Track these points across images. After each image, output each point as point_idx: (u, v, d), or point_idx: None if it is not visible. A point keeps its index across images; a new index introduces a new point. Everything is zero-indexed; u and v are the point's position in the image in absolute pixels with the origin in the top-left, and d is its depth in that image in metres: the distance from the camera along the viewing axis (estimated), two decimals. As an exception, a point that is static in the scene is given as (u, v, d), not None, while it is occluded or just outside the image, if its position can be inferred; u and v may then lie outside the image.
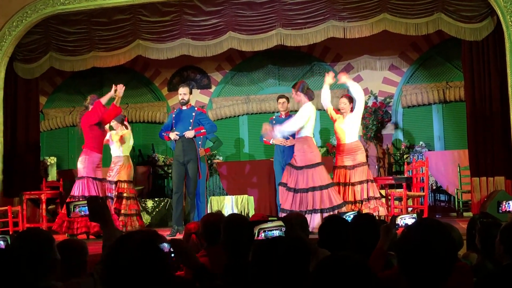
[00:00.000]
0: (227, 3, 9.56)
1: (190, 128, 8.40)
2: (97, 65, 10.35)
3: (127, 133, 9.37)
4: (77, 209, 3.11)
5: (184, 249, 2.91)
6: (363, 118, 11.01)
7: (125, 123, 9.50)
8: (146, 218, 10.29)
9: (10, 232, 8.57)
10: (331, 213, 7.26)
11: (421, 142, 11.03)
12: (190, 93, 8.63)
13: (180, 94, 8.53)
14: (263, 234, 3.19)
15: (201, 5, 9.63)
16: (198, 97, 12.25)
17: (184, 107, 8.56)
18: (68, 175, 11.35)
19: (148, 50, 9.99)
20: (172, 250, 2.98)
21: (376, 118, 11.06)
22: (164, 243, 3.15)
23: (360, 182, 8.04)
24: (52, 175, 11.75)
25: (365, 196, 7.98)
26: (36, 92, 10.89)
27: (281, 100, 9.25)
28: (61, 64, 10.37)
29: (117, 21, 9.98)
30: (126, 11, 9.94)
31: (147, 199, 10.81)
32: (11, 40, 10.19)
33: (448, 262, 2.20)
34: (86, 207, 3.02)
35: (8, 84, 10.43)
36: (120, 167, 9.10)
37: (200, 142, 9.32)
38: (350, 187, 8.04)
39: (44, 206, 9.35)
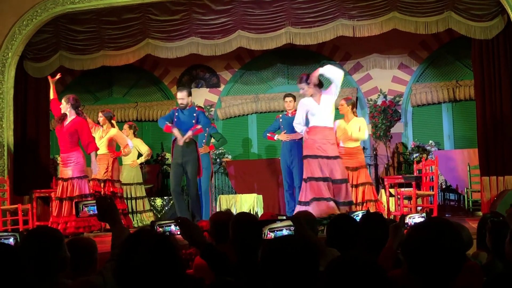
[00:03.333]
0: (236, 1, 9.56)
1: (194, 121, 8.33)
2: (106, 64, 10.39)
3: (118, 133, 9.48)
4: (86, 209, 3.12)
5: (190, 228, 2.91)
6: (373, 117, 11.00)
7: (113, 121, 9.57)
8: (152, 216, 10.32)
9: (20, 230, 8.61)
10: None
11: (430, 141, 10.99)
12: (189, 95, 8.37)
13: (178, 99, 8.37)
14: (272, 234, 3.18)
15: (210, 4, 9.64)
16: (207, 96, 12.27)
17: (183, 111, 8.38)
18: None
19: (157, 49, 10.01)
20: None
21: (386, 117, 11.04)
22: (172, 226, 3.16)
23: (362, 184, 8.22)
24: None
25: (368, 198, 8.13)
26: (46, 91, 10.91)
27: (287, 99, 9.28)
28: (70, 63, 10.42)
29: (126, 20, 10.01)
30: (136, 10, 9.96)
31: (156, 198, 10.84)
32: (21, 39, 10.24)
33: (455, 260, 2.18)
34: (95, 207, 3.03)
35: (18, 83, 10.48)
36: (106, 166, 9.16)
37: (204, 140, 9.30)
38: (353, 188, 8.18)
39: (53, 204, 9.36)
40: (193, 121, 8.29)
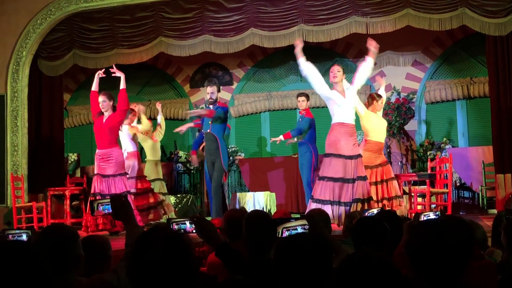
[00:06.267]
0: (249, -1, 9.57)
1: (210, 123, 8.34)
2: (120, 62, 10.39)
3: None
4: (101, 207, 3.13)
5: (205, 226, 2.91)
6: (386, 114, 10.96)
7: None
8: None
9: (35, 228, 8.67)
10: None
11: (444, 139, 10.94)
12: (218, 91, 8.51)
13: (208, 93, 8.42)
14: (287, 233, 3.18)
15: (223, 2, 9.64)
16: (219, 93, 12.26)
17: (211, 106, 8.48)
18: (91, 172, 11.46)
19: (170, 47, 10.03)
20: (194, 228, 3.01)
21: (399, 114, 10.98)
22: (187, 223, 3.17)
23: (388, 180, 8.10)
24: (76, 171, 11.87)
25: (392, 194, 8.00)
26: (60, 89, 11.00)
27: (300, 98, 9.24)
28: (84, 61, 10.47)
29: (139, 18, 10.04)
30: (149, 8, 9.99)
31: (170, 195, 10.84)
32: (35, 38, 10.30)
33: (458, 258, 2.15)
34: (109, 205, 3.03)
35: (32, 82, 10.56)
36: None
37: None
38: (384, 183, 8.05)
39: (68, 202, 9.42)
40: (209, 122, 8.35)
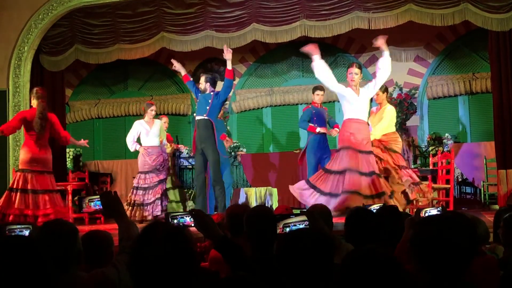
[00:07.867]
0: (251, -6, 9.55)
1: (207, 108, 8.32)
2: (121, 58, 10.42)
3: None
4: (92, 203, 3.10)
5: (204, 220, 2.91)
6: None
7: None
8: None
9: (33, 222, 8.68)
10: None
11: (446, 134, 10.92)
12: (206, 82, 8.54)
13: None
14: (287, 229, 3.18)
15: (225, -3, 9.65)
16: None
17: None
18: (93, 167, 11.48)
19: (172, 42, 10.03)
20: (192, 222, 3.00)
21: (401, 110, 10.97)
22: (186, 217, 3.17)
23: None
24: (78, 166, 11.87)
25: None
26: (62, 85, 11.00)
27: (320, 92, 9.11)
28: (86, 56, 10.46)
29: (141, 14, 10.03)
30: (151, 4, 9.98)
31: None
32: (37, 33, 10.29)
33: (463, 255, 2.16)
34: (100, 202, 3.01)
35: (34, 77, 10.55)
36: None
37: None
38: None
39: (70, 197, 9.44)
40: (207, 107, 8.35)
